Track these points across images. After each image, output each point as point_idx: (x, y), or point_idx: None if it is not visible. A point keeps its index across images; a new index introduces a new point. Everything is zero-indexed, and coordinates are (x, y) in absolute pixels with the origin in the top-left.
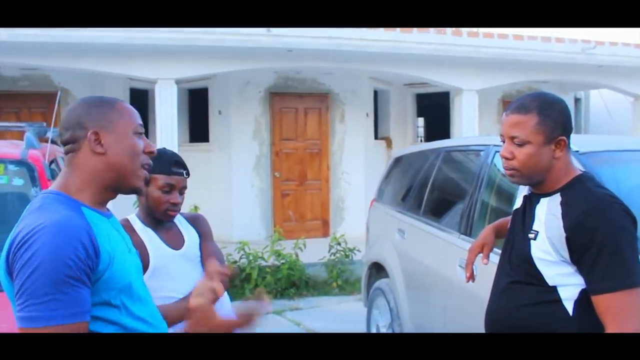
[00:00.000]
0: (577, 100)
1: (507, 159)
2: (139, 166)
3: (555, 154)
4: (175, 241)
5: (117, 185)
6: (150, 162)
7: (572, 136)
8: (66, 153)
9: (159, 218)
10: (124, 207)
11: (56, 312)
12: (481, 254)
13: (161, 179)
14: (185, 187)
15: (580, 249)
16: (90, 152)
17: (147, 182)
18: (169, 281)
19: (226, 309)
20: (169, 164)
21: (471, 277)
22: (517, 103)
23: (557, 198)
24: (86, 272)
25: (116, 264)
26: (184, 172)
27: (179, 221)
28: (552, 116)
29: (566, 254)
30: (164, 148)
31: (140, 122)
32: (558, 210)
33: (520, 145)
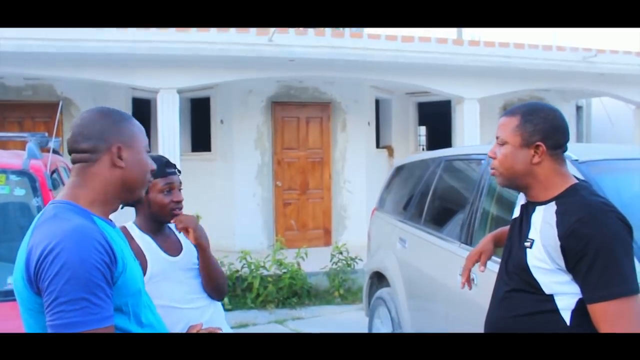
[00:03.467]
0: (578, 108)
1: (491, 158)
2: (147, 181)
3: (533, 159)
4: (173, 248)
5: (124, 198)
6: (152, 179)
7: (572, 145)
8: (77, 162)
9: (167, 221)
10: (125, 213)
11: (94, 315)
12: (478, 262)
13: (160, 182)
14: (181, 183)
15: (575, 257)
16: (110, 165)
17: (147, 190)
18: (165, 288)
19: (219, 320)
20: (162, 166)
21: (467, 283)
22: (511, 107)
23: (552, 207)
24: (111, 276)
25: (129, 271)
26: (176, 170)
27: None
28: (534, 121)
29: (562, 262)
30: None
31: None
32: (553, 219)
33: (501, 145)
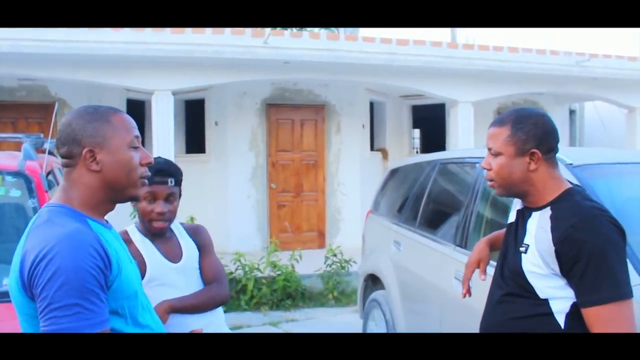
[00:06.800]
0: (571, 112)
1: (486, 169)
2: (136, 179)
3: (530, 166)
4: (173, 254)
5: (114, 199)
6: (148, 173)
7: (566, 149)
8: (64, 166)
9: (150, 230)
10: (122, 217)
11: (87, 321)
12: (478, 270)
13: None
14: (172, 195)
15: (569, 262)
16: (86, 169)
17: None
18: (163, 293)
19: (219, 322)
20: (151, 173)
21: (468, 293)
22: (498, 117)
23: (547, 212)
24: (105, 281)
25: (124, 274)
26: (168, 179)
27: (179, 232)
28: (525, 129)
29: (556, 267)
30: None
31: (137, 134)
32: (547, 224)
33: (495, 156)
